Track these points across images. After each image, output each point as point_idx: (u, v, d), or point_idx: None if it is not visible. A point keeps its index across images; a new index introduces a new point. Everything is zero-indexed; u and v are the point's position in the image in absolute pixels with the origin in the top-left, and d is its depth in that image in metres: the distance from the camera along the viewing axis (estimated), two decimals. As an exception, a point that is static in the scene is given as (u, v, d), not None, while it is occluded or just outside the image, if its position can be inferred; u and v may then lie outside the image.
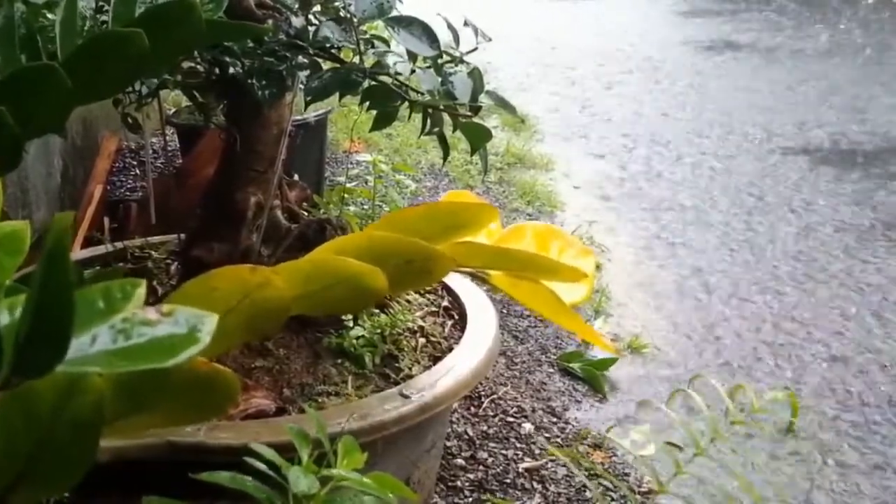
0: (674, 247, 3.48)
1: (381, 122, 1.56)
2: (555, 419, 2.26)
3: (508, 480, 1.97)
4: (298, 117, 2.99)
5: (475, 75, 1.50)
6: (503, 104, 1.54)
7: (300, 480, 1.09)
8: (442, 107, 1.49)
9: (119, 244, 1.96)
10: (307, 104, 1.59)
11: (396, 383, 1.54)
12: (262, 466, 1.11)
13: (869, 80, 5.93)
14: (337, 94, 1.52)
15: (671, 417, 1.49)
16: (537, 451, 2.09)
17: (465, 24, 1.52)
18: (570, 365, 2.54)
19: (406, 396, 1.43)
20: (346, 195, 2.42)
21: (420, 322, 1.73)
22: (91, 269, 1.74)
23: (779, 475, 2.04)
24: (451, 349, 1.64)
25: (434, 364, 1.58)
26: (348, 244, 0.88)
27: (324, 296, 0.86)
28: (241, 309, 0.77)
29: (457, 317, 1.79)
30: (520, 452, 2.08)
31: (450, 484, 1.93)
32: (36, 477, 0.66)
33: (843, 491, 2.04)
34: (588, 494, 1.95)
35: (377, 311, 1.69)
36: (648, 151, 4.65)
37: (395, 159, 4.09)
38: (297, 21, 1.48)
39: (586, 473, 1.96)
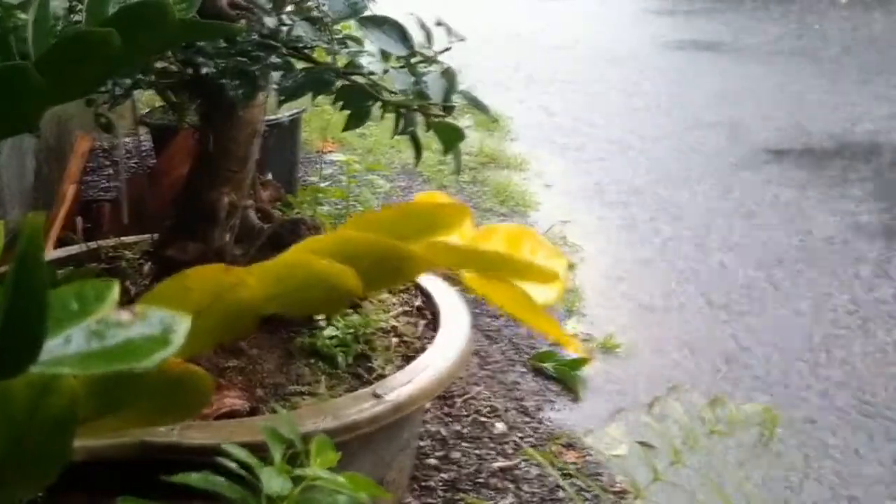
0: (648, 246, 3.49)
1: (354, 122, 1.56)
2: (528, 419, 2.27)
3: (481, 480, 1.98)
4: (271, 117, 2.98)
5: (448, 75, 1.50)
6: (476, 104, 1.55)
7: (272, 481, 1.09)
8: (415, 107, 1.49)
9: (92, 244, 1.96)
10: (280, 104, 1.59)
11: (369, 383, 1.54)
12: (234, 466, 1.12)
13: (838, 81, 5.98)
14: (310, 94, 1.52)
15: (649, 424, 1.50)
16: (510, 451, 2.09)
17: (438, 23, 1.53)
18: (544, 365, 2.55)
19: (379, 396, 1.43)
20: (319, 195, 2.43)
21: (393, 322, 1.73)
22: (64, 269, 1.74)
23: (755, 486, 2.05)
24: (424, 349, 1.64)
25: (407, 364, 1.58)
26: (321, 244, 0.87)
27: (297, 296, 0.86)
28: (214, 309, 0.77)
29: (430, 316, 1.79)
30: (493, 452, 2.08)
31: (423, 483, 1.94)
32: (10, 477, 0.66)
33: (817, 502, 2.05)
34: (561, 494, 1.96)
35: (350, 310, 1.69)
36: (622, 151, 4.67)
37: (369, 159, 4.09)
38: (270, 21, 1.48)
39: (560, 473, 1.96)
